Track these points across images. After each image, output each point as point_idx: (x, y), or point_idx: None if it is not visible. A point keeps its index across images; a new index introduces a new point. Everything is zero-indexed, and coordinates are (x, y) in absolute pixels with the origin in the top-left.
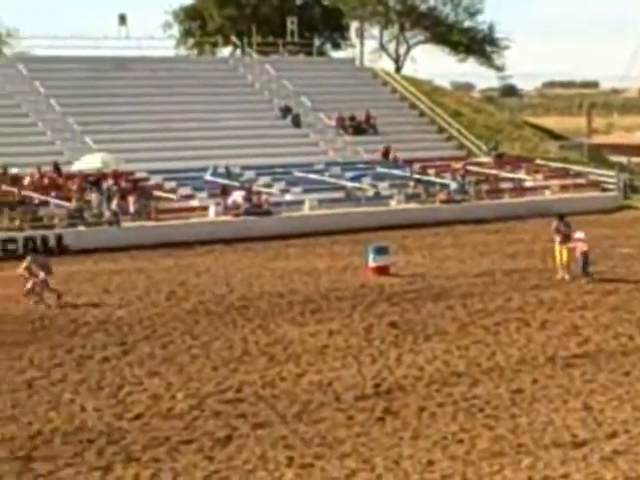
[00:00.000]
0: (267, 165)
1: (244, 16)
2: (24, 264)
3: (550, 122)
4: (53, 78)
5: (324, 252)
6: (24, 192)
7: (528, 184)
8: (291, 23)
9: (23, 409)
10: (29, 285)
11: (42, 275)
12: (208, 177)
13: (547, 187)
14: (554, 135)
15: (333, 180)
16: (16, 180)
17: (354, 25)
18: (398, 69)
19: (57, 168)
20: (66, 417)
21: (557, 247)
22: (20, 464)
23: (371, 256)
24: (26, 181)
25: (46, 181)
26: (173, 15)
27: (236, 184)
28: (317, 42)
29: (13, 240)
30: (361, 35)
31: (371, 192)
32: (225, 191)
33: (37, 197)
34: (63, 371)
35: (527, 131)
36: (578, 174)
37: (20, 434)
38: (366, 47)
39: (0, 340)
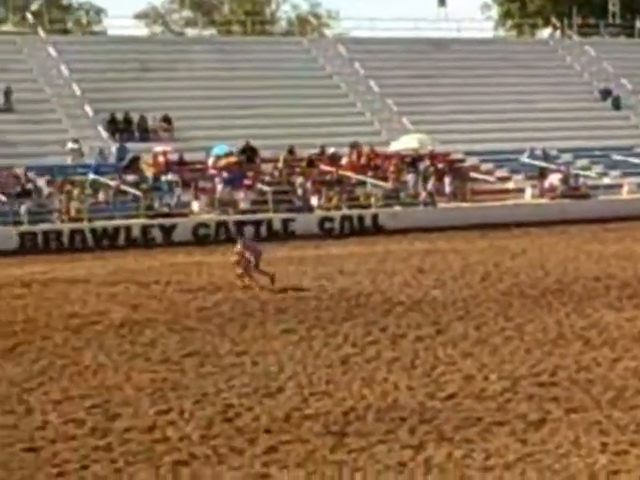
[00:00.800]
0: (585, 148)
1: None
2: (237, 248)
3: None
4: (372, 59)
5: None
6: (342, 172)
7: None
8: (612, 5)
9: (337, 385)
10: (240, 269)
11: (251, 259)
12: (525, 159)
13: None
14: None
15: None
16: (334, 160)
17: None
18: None
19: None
20: (379, 394)
21: None
22: (334, 439)
23: None
24: (344, 161)
25: (363, 161)
26: None
27: (553, 167)
28: (639, 23)
29: (330, 219)
30: None
31: None
32: (542, 173)
33: (354, 177)
34: (377, 349)
35: None
36: None
37: (334, 409)
38: None
39: (316, 317)
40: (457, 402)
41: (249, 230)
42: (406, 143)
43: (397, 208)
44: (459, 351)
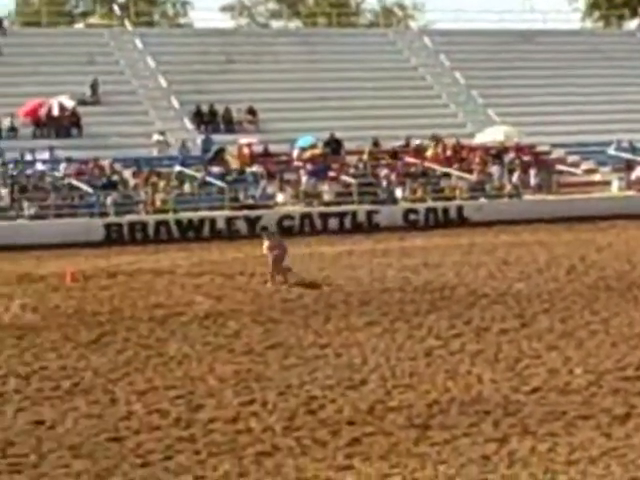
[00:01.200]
0: None
1: None
2: (265, 244)
3: None
4: (458, 51)
5: None
6: (427, 164)
7: None
8: None
9: (421, 377)
10: (270, 265)
11: (276, 254)
12: (612, 151)
13: None
14: None
15: None
16: (419, 152)
17: None
18: None
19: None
20: (463, 387)
21: None
22: (417, 431)
23: None
24: (429, 153)
25: (448, 153)
26: None
27: None
28: None
29: (415, 211)
30: None
31: None
32: (629, 166)
33: (439, 169)
34: (461, 341)
35: None
36: None
37: (418, 402)
38: None
39: (400, 309)
40: (541, 395)
41: (272, 226)
42: (491, 135)
43: (482, 200)
44: (544, 344)
